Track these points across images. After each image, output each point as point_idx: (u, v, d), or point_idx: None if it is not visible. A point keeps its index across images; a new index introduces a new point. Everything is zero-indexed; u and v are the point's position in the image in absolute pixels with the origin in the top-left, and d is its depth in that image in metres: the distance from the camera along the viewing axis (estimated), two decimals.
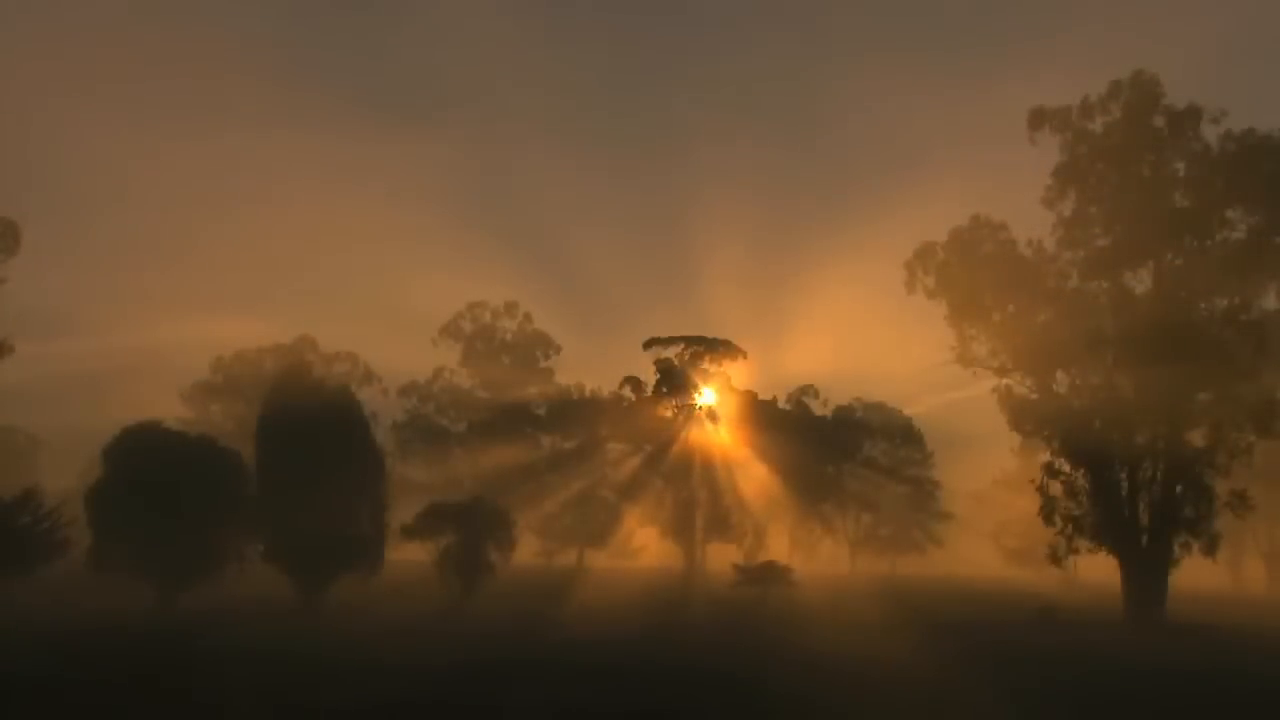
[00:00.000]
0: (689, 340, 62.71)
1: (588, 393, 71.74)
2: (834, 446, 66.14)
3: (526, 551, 62.53)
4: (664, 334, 62.94)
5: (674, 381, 61.91)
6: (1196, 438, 38.63)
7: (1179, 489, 38.65)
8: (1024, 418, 41.76)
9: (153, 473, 34.59)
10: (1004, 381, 42.17)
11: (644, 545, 75.62)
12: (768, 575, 51.86)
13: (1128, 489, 39.57)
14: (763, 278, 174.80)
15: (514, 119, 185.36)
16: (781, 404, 64.92)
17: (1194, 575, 48.28)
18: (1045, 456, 42.08)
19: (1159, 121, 39.34)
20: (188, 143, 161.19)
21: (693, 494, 62.51)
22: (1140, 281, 39.80)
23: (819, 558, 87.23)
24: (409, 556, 44.39)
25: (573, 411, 68.69)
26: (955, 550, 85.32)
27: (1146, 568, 38.87)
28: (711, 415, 62.48)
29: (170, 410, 66.95)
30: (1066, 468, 40.58)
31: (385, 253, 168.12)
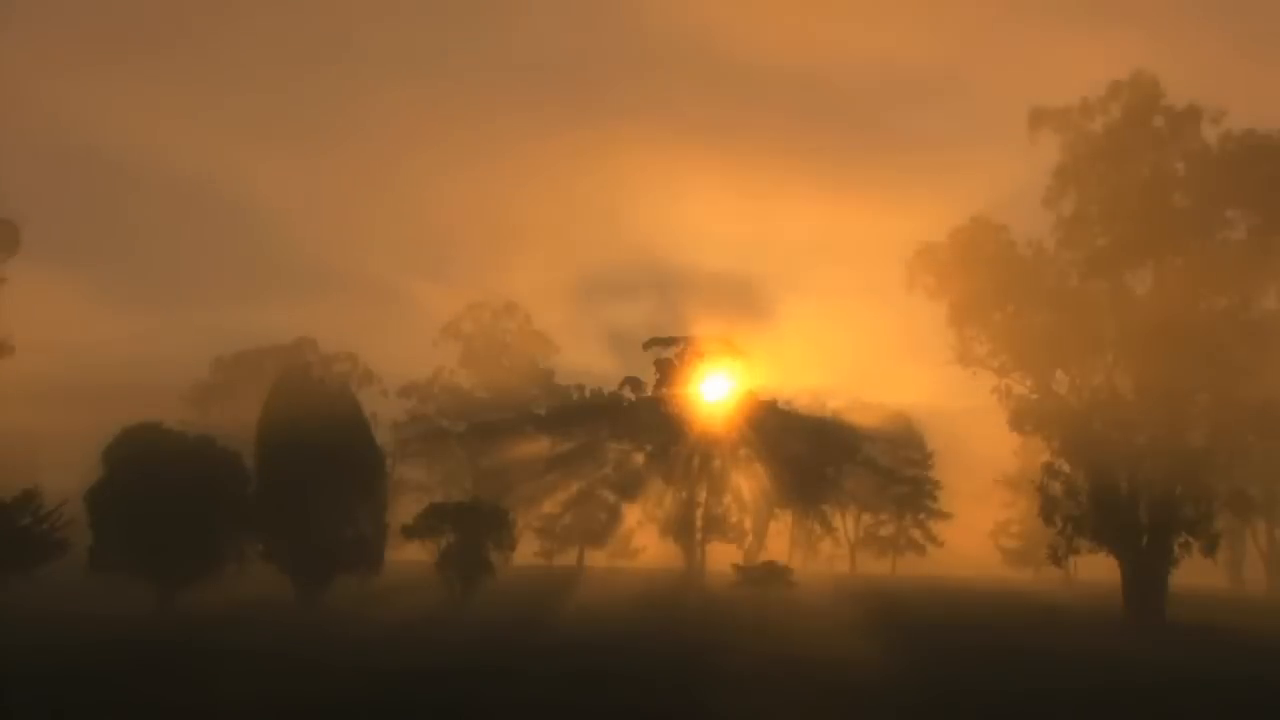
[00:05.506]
0: (689, 340, 62.68)
1: (587, 393, 71.73)
2: (834, 446, 66.07)
3: (526, 551, 62.55)
4: (662, 333, 63.03)
5: (674, 381, 61.88)
6: (1196, 438, 38.63)
7: (1179, 489, 38.64)
8: (1024, 418, 41.77)
9: (153, 473, 34.60)
10: (1004, 381, 42.22)
11: (644, 545, 75.59)
12: (767, 575, 51.93)
13: (1128, 489, 39.56)
14: (763, 277, 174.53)
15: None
16: (782, 404, 64.88)
17: (1194, 575, 48.28)
18: (1045, 456, 42.10)
19: (1159, 122, 39.33)
20: (189, 138, 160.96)
21: (693, 494, 62.49)
22: (1140, 281, 39.82)
23: (819, 558, 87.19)
24: (409, 556, 44.41)
25: (573, 411, 68.65)
26: (955, 550, 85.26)
27: (1146, 568, 38.86)
28: (711, 415, 62.42)
29: (170, 411, 66.88)
30: (1066, 468, 40.60)
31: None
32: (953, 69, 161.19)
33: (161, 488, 34.08)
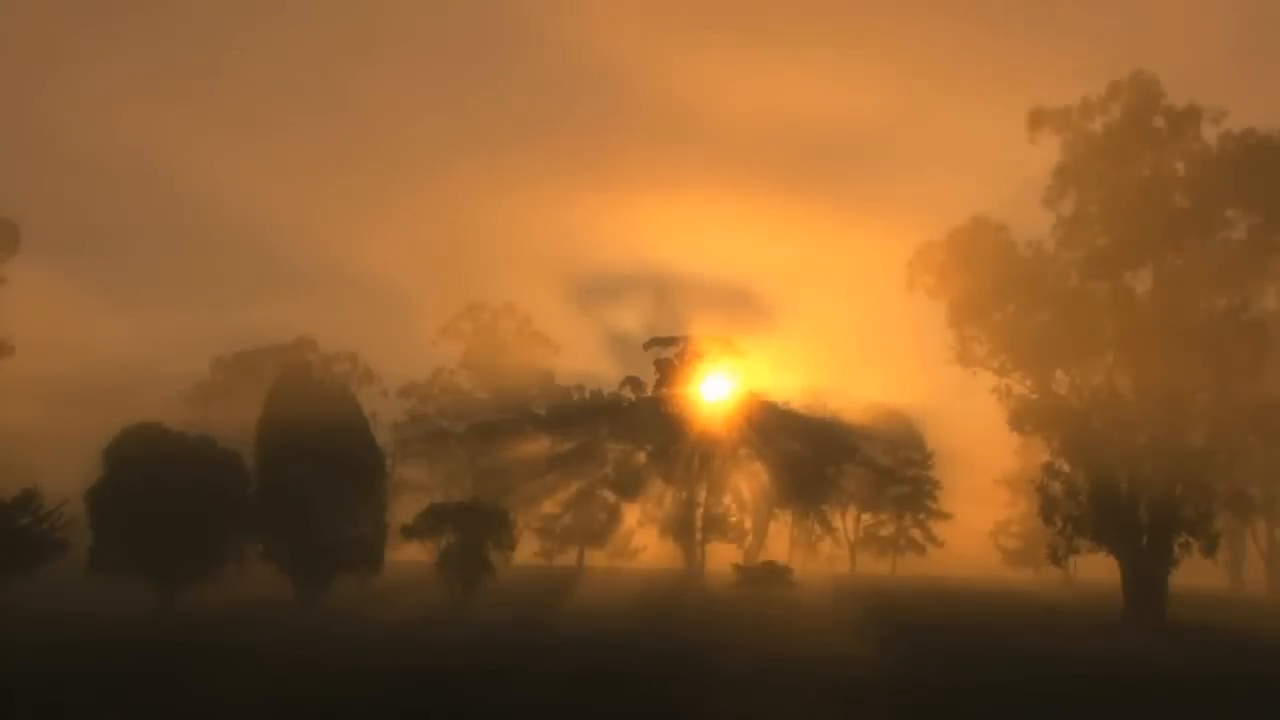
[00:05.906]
0: (689, 340, 62.69)
1: (587, 393, 71.76)
2: (834, 446, 66.07)
3: (526, 551, 62.59)
4: (663, 333, 63.07)
5: (674, 381, 61.89)
6: (1196, 438, 38.63)
7: (1179, 489, 38.63)
8: (1024, 418, 41.75)
9: (153, 473, 34.63)
10: (1004, 381, 42.22)
11: (644, 545, 75.58)
12: (767, 575, 51.98)
13: (1128, 489, 39.55)
14: (763, 277, 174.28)
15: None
16: (781, 404, 64.87)
17: (1194, 575, 48.26)
18: (1045, 456, 42.10)
19: (1159, 122, 39.31)
20: (190, 138, 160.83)
21: (693, 494, 62.49)
22: (1140, 281, 39.81)
23: (819, 558, 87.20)
24: (409, 556, 44.40)
25: (573, 411, 68.66)
26: (955, 550, 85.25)
27: (1146, 568, 38.84)
28: (711, 415, 62.43)
29: (170, 411, 66.84)
30: (1066, 468, 40.59)
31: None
32: (950, 79, 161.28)
33: (161, 488, 34.10)
